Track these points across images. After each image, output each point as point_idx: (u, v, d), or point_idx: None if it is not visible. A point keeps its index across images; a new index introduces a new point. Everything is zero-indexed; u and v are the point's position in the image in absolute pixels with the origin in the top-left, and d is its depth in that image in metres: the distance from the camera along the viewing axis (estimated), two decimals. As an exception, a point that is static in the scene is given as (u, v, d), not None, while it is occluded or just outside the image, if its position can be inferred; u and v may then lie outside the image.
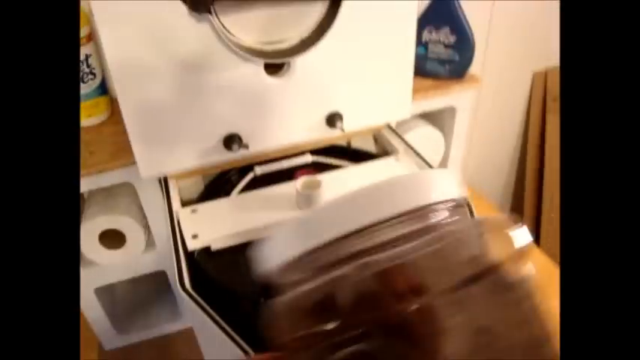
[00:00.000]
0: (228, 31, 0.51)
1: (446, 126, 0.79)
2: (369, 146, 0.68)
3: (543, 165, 0.97)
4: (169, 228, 0.52)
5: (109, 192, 0.67)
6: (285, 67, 0.55)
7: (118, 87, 0.50)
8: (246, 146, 0.57)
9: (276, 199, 0.55)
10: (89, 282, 0.69)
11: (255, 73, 0.53)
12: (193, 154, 0.56)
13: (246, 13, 0.51)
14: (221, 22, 0.50)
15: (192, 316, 0.46)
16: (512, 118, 1.02)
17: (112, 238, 0.66)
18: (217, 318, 0.43)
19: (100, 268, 0.68)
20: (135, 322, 0.79)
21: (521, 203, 1.05)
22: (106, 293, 0.75)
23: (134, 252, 0.67)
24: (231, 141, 0.56)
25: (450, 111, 0.77)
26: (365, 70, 0.59)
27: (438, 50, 0.73)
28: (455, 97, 0.75)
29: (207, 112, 0.54)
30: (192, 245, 0.51)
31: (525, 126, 1.01)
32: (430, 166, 0.58)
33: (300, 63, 0.55)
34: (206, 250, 0.51)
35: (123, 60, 0.48)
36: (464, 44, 0.71)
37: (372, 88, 0.60)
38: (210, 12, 0.47)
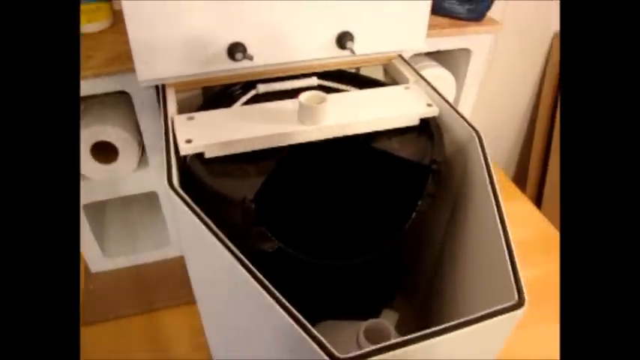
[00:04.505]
0: None
1: (459, 70, 0.76)
2: (379, 77, 0.65)
3: (554, 126, 0.94)
4: (163, 133, 0.49)
5: (104, 104, 0.64)
6: (298, -26, 0.52)
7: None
8: (251, 57, 0.54)
9: (279, 113, 0.52)
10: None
11: (265, -24, 0.50)
12: (196, 60, 0.53)
13: None
14: None
15: (179, 221, 0.44)
16: (527, 76, 0.99)
17: (105, 154, 0.64)
18: (207, 219, 0.41)
19: (90, 183, 0.66)
20: (122, 246, 0.77)
21: (527, 162, 1.02)
22: (95, 212, 0.73)
23: (126, 168, 0.65)
24: (235, 49, 0.53)
25: (465, 54, 0.74)
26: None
27: (458, -14, 0.69)
28: (472, 38, 0.71)
29: (215, 15, 0.51)
30: (185, 150, 0.48)
31: (540, 85, 0.97)
32: (442, 97, 0.56)
33: (315, -30, 0.51)
34: (199, 157, 0.49)
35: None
36: (487, -18, 0.68)
37: (387, 11, 0.57)
38: None
